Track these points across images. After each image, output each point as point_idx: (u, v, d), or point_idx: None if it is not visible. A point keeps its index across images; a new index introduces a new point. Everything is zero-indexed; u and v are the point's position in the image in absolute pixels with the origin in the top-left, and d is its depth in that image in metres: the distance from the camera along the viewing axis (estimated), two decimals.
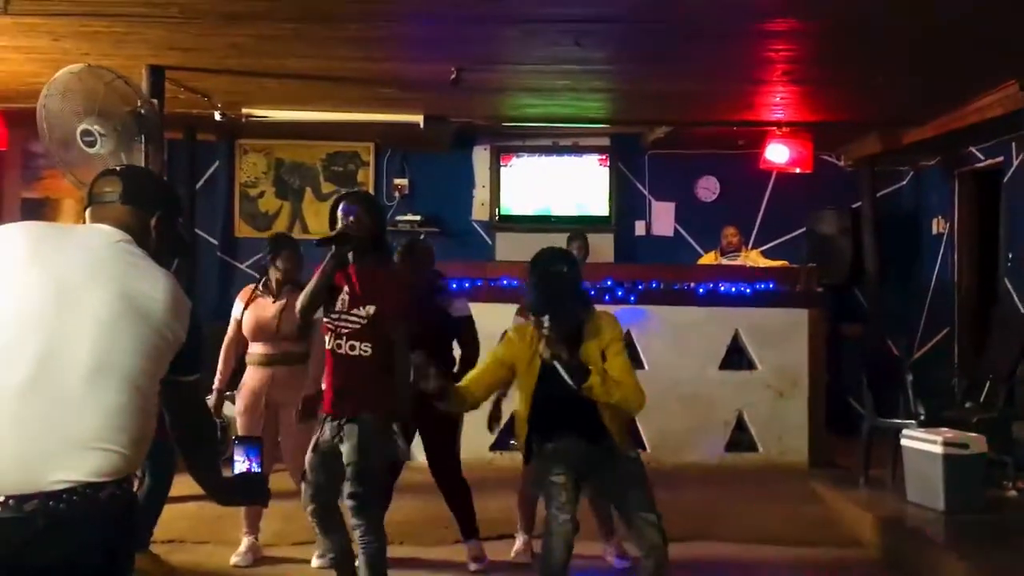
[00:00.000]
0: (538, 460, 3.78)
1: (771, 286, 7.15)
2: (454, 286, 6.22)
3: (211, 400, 4.86)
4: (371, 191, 8.93)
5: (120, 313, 2.00)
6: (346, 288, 3.77)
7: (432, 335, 4.64)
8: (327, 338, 3.85)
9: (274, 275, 4.95)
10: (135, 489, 2.08)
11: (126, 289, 2.03)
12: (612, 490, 3.84)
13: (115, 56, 5.53)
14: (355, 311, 3.74)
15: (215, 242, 8.96)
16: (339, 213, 3.85)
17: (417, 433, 4.87)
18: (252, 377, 4.90)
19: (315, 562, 4.79)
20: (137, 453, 2.02)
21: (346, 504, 3.73)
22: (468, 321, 5.00)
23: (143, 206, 2.20)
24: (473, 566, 4.85)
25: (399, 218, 8.77)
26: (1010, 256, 7.42)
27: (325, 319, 3.83)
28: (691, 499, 5.96)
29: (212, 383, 4.91)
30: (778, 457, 6.98)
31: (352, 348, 3.75)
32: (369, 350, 3.73)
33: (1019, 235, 7.28)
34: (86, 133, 5.37)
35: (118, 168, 2.31)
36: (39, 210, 8.77)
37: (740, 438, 7.10)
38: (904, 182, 9.12)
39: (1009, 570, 4.36)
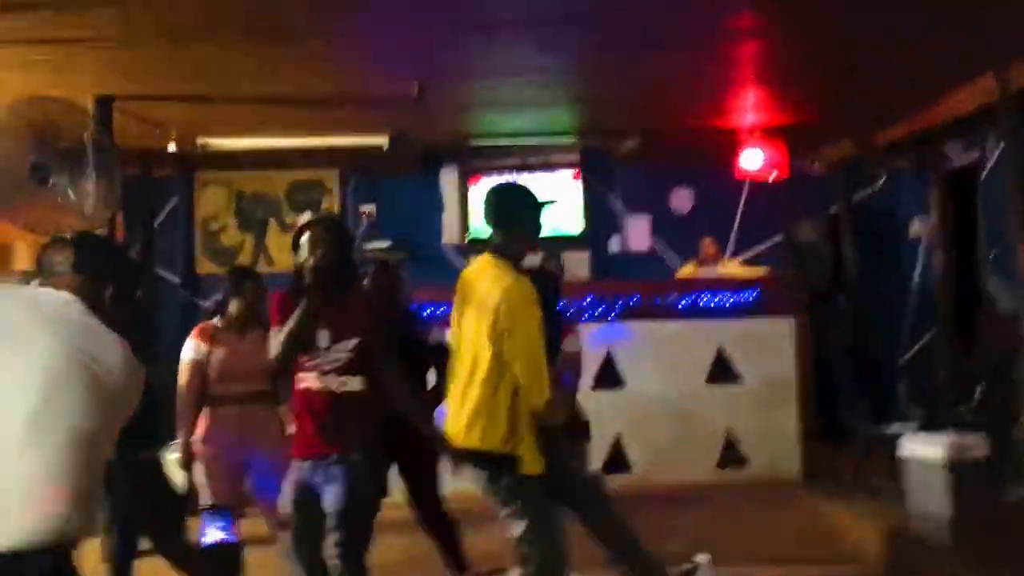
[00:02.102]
0: (530, 486, 3.40)
1: (754, 295, 6.96)
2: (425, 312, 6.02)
3: (180, 457, 4.53)
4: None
5: (70, 366, 1.85)
6: (323, 322, 3.54)
7: (409, 363, 4.44)
8: (307, 377, 3.59)
9: (236, 310, 4.65)
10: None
11: (78, 346, 1.89)
12: None
13: (58, 87, 5.26)
14: (338, 345, 3.53)
15: (177, 280, 8.65)
16: (303, 242, 3.63)
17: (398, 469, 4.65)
18: (223, 419, 4.49)
19: None
20: (80, 516, 1.80)
21: (331, 552, 3.45)
22: (446, 348, 4.78)
23: (96, 277, 2.08)
24: None
25: (368, 245, 8.52)
26: (992, 254, 7.28)
27: (304, 358, 3.59)
28: (683, 520, 5.72)
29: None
30: (770, 471, 6.76)
31: (343, 384, 3.54)
32: (359, 384, 3.55)
33: (998, 232, 7.15)
34: (38, 168, 5.12)
35: (70, 236, 2.22)
36: None
37: (731, 453, 6.87)
38: (880, 184, 8.98)
39: None
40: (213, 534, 2.13)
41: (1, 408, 1.77)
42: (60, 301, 1.97)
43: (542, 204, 3.56)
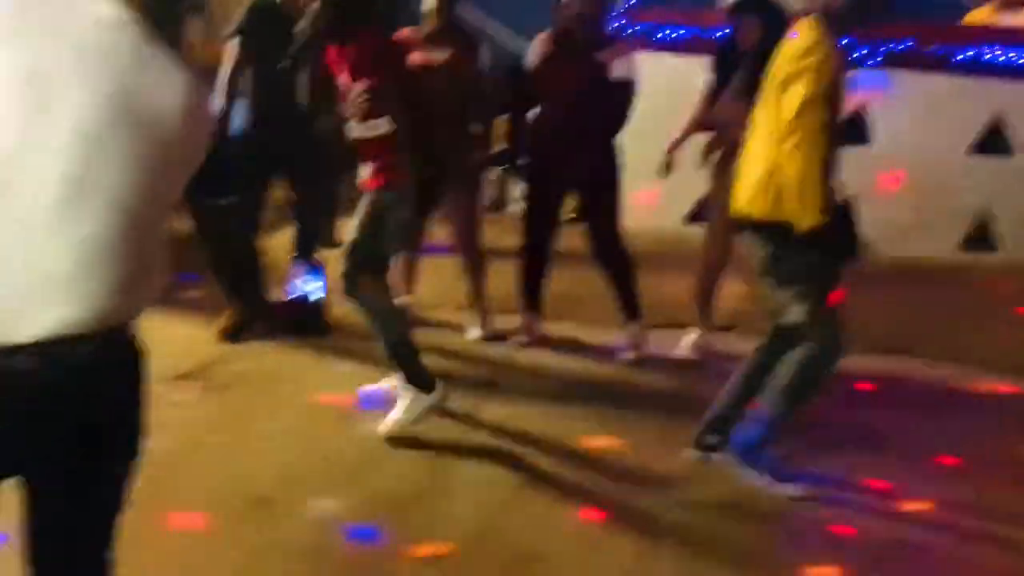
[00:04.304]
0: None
1: None
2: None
3: None
4: None
5: (112, 119, 1.52)
6: (342, 67, 3.49)
7: (576, 100, 4.17)
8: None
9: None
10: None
11: (126, 87, 1.54)
12: None
13: None
14: (354, 90, 3.44)
15: None
16: None
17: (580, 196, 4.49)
18: None
19: (471, 333, 4.60)
20: (130, 298, 1.59)
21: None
22: (629, 89, 4.29)
23: None
24: (625, 354, 4.44)
25: None
26: None
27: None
28: (902, 304, 5.23)
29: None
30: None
31: (368, 128, 3.49)
32: (386, 125, 3.47)
33: None
34: None
35: None
36: None
37: (980, 235, 6.07)
38: None
39: None
40: (299, 287, 2.06)
41: (33, 179, 1.50)
42: (112, 24, 1.58)
43: None
